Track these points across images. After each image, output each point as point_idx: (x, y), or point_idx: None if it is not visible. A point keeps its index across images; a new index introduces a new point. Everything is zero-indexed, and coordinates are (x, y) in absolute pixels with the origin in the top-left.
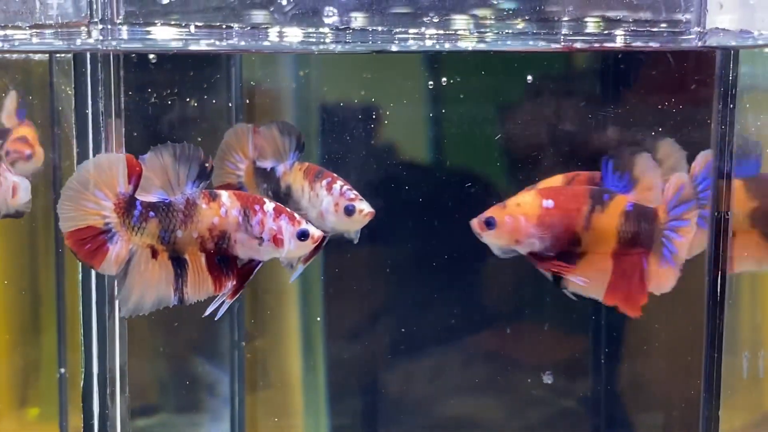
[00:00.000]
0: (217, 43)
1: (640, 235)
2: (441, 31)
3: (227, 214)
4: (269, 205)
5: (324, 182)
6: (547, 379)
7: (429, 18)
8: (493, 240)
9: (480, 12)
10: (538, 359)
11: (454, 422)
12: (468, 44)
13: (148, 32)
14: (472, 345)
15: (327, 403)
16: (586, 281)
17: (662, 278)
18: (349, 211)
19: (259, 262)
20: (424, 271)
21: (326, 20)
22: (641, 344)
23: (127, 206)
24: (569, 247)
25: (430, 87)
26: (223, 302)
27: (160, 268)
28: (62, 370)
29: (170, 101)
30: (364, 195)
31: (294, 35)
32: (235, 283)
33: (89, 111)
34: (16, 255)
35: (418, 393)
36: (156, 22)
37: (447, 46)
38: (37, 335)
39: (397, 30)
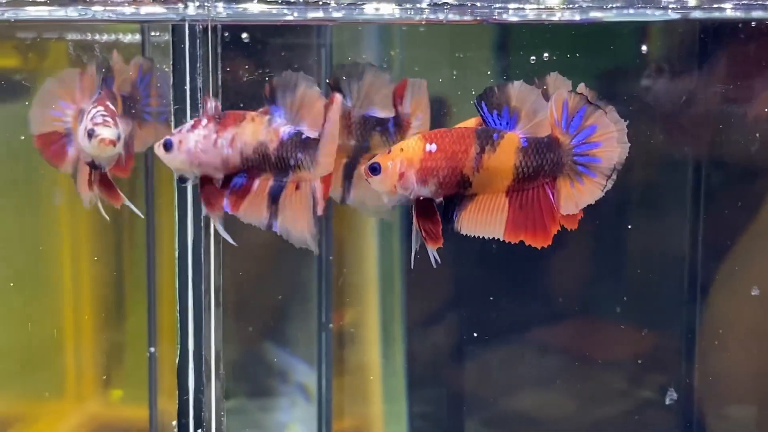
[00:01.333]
0: (314, 15)
1: (545, 167)
2: (537, 6)
3: None
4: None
5: (90, 107)
6: (671, 395)
7: None
8: (378, 186)
9: None
10: (617, 354)
11: (531, 412)
12: (565, 15)
13: (245, 9)
14: (549, 336)
15: (406, 390)
16: (438, 259)
17: (582, 195)
18: (89, 134)
19: None
20: (503, 262)
21: None
22: (735, 337)
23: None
24: (458, 190)
25: (532, 62)
26: None
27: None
28: (152, 350)
29: (262, 80)
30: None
31: (389, 11)
32: None
33: (187, 87)
34: (104, 234)
35: (496, 382)
36: None
37: (544, 17)
38: (122, 317)
39: (497, 5)
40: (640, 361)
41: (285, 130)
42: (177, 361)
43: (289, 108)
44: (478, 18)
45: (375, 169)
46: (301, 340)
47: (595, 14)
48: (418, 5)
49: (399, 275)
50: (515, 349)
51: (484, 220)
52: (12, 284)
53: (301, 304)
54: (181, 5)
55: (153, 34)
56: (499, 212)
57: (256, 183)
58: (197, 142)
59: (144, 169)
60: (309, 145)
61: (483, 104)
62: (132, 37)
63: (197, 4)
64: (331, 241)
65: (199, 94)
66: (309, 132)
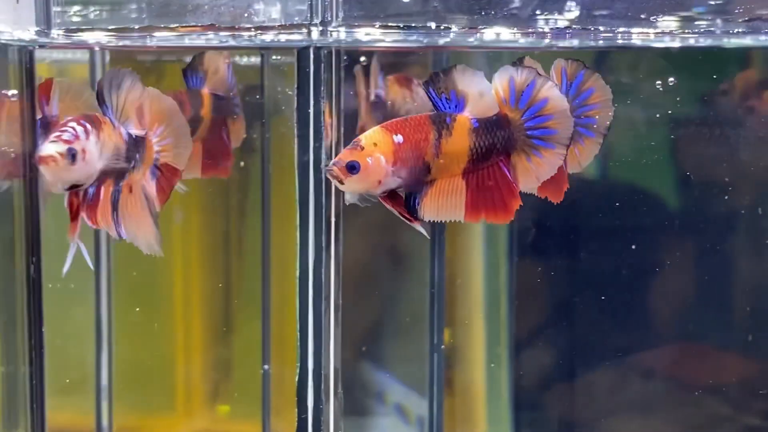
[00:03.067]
0: (440, 40)
1: (497, 145)
2: (661, 30)
3: None
4: None
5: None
6: None
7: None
8: (356, 185)
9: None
10: (723, 380)
11: None
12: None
13: (368, 33)
14: (654, 361)
15: (511, 413)
16: (428, 230)
17: (542, 167)
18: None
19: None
20: (609, 286)
21: (542, 20)
22: None
23: None
24: (420, 177)
25: (658, 86)
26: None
27: None
28: (266, 367)
29: (378, 102)
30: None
31: (510, 36)
32: None
33: (311, 111)
34: (219, 251)
35: (600, 406)
36: (374, 23)
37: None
38: (232, 333)
39: (620, 30)
40: (746, 388)
41: (123, 130)
42: (297, 379)
43: (116, 107)
44: (601, 43)
45: (354, 167)
46: (405, 360)
47: (728, 40)
48: (540, 29)
49: (505, 297)
50: (620, 374)
51: (445, 205)
52: (138, 309)
53: (409, 324)
54: (305, 30)
55: (274, 57)
56: (458, 195)
57: (102, 190)
58: (99, 151)
59: (261, 185)
60: (141, 144)
61: (430, 89)
62: (248, 59)
63: (320, 29)
64: (443, 263)
65: (321, 118)
66: (136, 131)
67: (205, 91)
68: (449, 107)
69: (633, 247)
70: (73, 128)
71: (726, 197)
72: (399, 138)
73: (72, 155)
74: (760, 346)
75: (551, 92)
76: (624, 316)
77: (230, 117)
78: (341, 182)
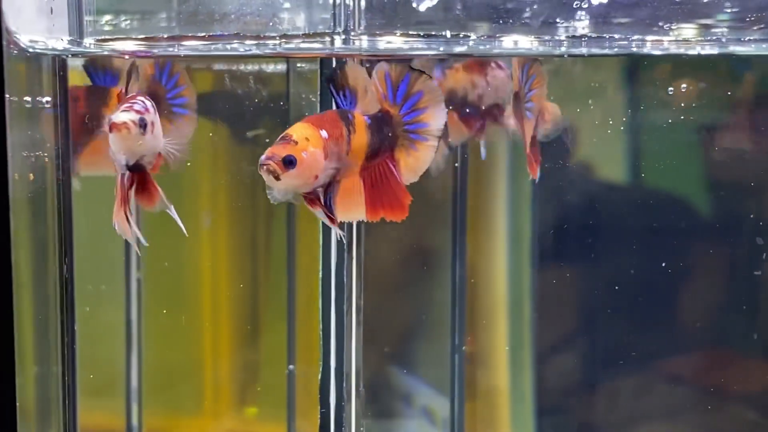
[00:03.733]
0: (458, 49)
1: (384, 142)
2: (675, 38)
3: None
4: None
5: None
6: None
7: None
8: (293, 180)
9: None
10: (750, 386)
11: None
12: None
13: (390, 42)
14: (679, 367)
15: (534, 417)
16: (344, 235)
17: (418, 161)
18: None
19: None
20: (633, 290)
21: (561, 28)
22: None
23: None
24: (337, 175)
25: (670, 92)
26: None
27: None
28: (291, 367)
29: None
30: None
31: (527, 45)
32: None
33: None
34: (246, 254)
35: (625, 411)
36: (395, 32)
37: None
38: (258, 335)
39: (634, 38)
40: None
41: None
42: (319, 378)
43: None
44: (616, 50)
45: (291, 162)
46: (431, 362)
47: (734, 48)
48: (557, 37)
49: (528, 300)
50: (645, 379)
51: (350, 203)
52: (165, 311)
53: (433, 325)
54: (328, 39)
55: (299, 65)
56: (358, 194)
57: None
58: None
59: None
60: None
61: (331, 86)
62: (275, 67)
63: (343, 37)
64: (465, 263)
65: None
66: None
67: (117, 89)
68: (346, 104)
69: (658, 251)
70: (143, 101)
71: (755, 202)
72: (324, 133)
73: (143, 125)
74: None
75: (425, 85)
76: (649, 321)
77: (167, 116)
78: (277, 178)
